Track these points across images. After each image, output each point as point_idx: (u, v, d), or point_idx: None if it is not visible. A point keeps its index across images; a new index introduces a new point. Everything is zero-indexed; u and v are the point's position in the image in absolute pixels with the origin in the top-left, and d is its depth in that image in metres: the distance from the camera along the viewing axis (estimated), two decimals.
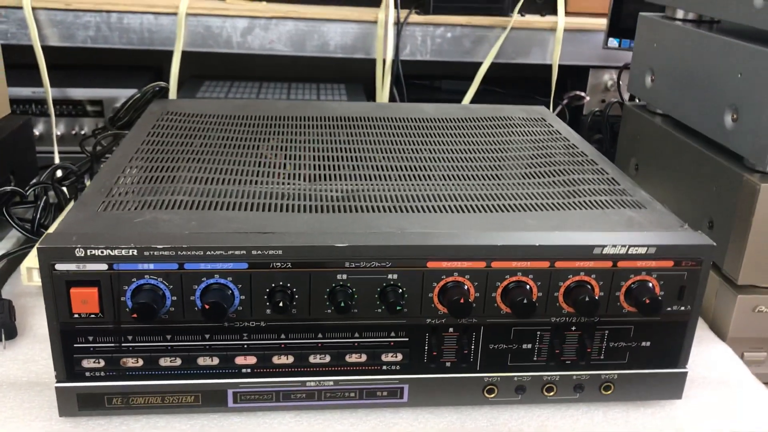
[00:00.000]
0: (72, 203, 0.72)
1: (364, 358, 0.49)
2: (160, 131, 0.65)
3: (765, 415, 0.52)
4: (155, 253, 0.44)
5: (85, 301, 0.45)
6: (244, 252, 0.45)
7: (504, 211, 0.52)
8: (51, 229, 0.48)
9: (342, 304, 0.46)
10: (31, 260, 0.61)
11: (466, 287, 0.47)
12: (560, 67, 1.21)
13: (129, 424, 0.48)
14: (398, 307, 0.46)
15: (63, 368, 0.47)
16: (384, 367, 0.49)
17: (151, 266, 0.45)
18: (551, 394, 0.51)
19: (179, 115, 0.70)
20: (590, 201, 0.54)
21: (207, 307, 0.45)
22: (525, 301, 0.46)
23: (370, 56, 1.21)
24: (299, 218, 0.50)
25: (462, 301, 0.46)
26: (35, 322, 0.59)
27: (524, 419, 0.50)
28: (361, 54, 1.21)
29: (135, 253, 0.44)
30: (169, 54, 1.13)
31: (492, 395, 0.50)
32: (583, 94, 1.19)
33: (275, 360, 0.48)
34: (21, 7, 1.08)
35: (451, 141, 0.67)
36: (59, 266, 0.44)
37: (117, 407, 0.48)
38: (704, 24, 0.70)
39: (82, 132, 1.19)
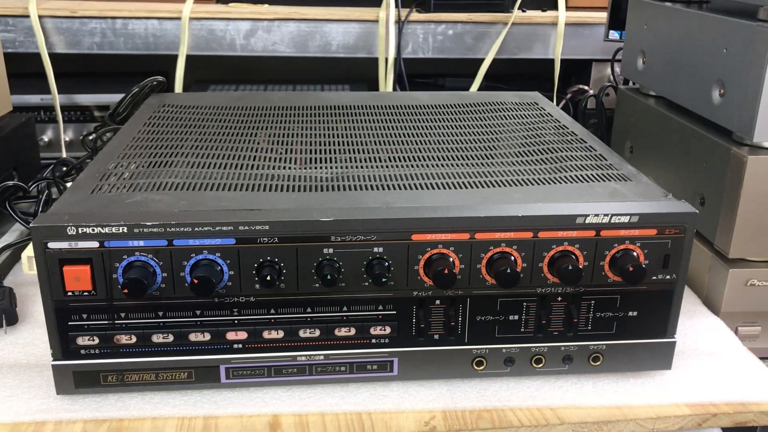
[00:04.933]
0: None
1: (353, 331, 0.49)
2: (156, 122, 0.67)
3: (755, 384, 0.52)
4: (145, 230, 0.45)
5: (77, 278, 0.46)
6: (232, 228, 0.46)
7: (490, 187, 0.52)
8: None
9: (329, 278, 0.46)
10: (32, 250, 0.63)
11: (451, 259, 0.48)
12: (563, 61, 1.22)
13: (124, 400, 0.49)
14: (384, 279, 0.47)
15: (59, 346, 0.48)
16: (373, 341, 0.50)
17: (141, 243, 0.46)
18: (540, 365, 0.51)
19: (176, 107, 0.71)
20: (576, 176, 0.55)
21: (195, 282, 0.46)
22: (509, 271, 0.47)
23: (373, 55, 1.22)
24: (287, 197, 0.50)
25: (446, 272, 0.46)
26: (36, 309, 0.60)
27: (514, 391, 0.50)
28: (364, 53, 1.22)
29: (125, 230, 0.45)
30: (173, 58, 1.15)
31: (481, 367, 0.51)
32: (586, 87, 1.20)
33: (266, 335, 0.49)
34: (28, 16, 1.11)
35: (444, 126, 0.67)
36: (52, 245, 0.45)
37: (112, 384, 0.49)
38: (694, 4, 0.71)
39: (88, 137, 1.21)
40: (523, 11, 1.21)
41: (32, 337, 0.56)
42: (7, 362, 0.53)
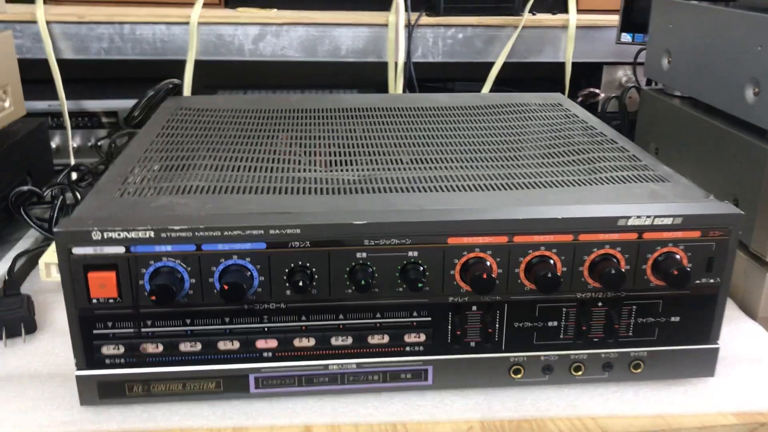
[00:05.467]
0: None
1: (386, 339, 0.48)
2: (174, 125, 0.65)
3: None
4: (172, 234, 0.44)
5: (103, 285, 0.44)
6: (262, 232, 0.44)
7: (524, 189, 0.51)
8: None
9: (363, 283, 0.45)
10: (49, 256, 0.61)
11: (488, 263, 0.46)
12: (573, 65, 1.20)
13: (150, 411, 0.47)
14: (420, 285, 0.45)
15: (83, 356, 0.46)
16: (407, 348, 0.48)
17: (169, 248, 0.44)
18: (579, 373, 0.49)
19: (193, 110, 0.70)
20: (611, 177, 0.53)
21: (226, 288, 0.44)
22: (549, 276, 0.45)
23: (382, 59, 1.21)
24: (316, 199, 0.49)
25: (485, 276, 0.45)
26: (55, 316, 0.59)
27: (552, 399, 0.49)
28: (373, 57, 1.21)
29: (152, 234, 0.44)
30: (181, 64, 1.14)
31: (518, 375, 0.49)
32: (597, 91, 1.19)
33: (296, 343, 0.47)
34: (35, 22, 1.09)
35: (466, 127, 0.66)
36: (76, 250, 0.44)
37: (137, 395, 0.47)
38: (721, 2, 0.69)
39: (99, 144, 1.20)
40: (533, 14, 1.20)
41: (52, 345, 0.55)
42: (27, 372, 0.52)
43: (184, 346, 0.47)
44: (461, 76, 1.38)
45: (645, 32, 1.16)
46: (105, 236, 0.44)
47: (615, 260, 0.46)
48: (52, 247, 0.62)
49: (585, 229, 0.46)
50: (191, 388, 0.48)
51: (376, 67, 1.21)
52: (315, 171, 0.55)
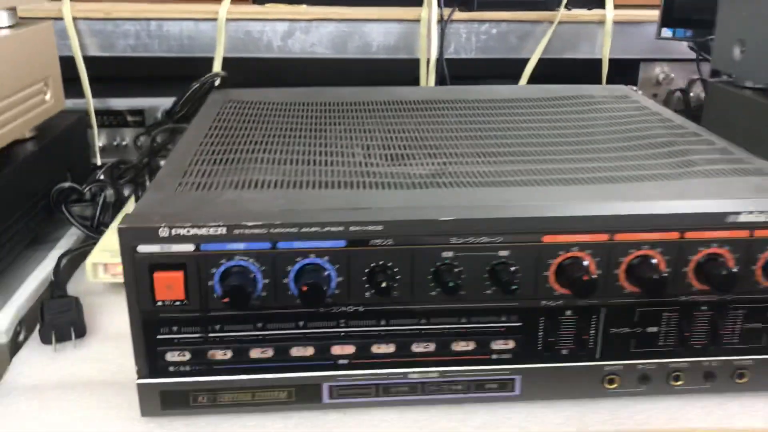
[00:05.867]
0: (132, 201, 0.69)
1: (471, 346, 0.44)
2: (225, 117, 0.62)
3: None
4: (246, 231, 0.40)
5: (169, 286, 0.41)
6: (342, 228, 0.41)
7: (617, 182, 0.47)
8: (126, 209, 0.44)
9: (450, 285, 0.41)
10: (97, 256, 0.58)
11: (585, 263, 0.42)
12: (609, 61, 1.17)
13: (216, 423, 0.44)
14: (513, 287, 0.41)
15: (145, 363, 0.43)
16: (494, 356, 0.44)
17: (242, 246, 0.41)
18: (678, 383, 0.45)
19: (242, 103, 0.66)
20: (706, 170, 0.49)
21: (305, 289, 0.40)
22: (655, 278, 0.41)
23: (413, 56, 1.17)
24: (393, 194, 0.45)
25: (586, 278, 0.41)
26: (103, 320, 0.55)
27: (651, 412, 0.45)
28: (404, 54, 1.18)
29: (224, 231, 0.40)
30: (208, 62, 1.11)
31: (613, 386, 0.45)
32: (635, 88, 1.15)
33: (374, 349, 0.44)
34: (62, 18, 1.07)
35: (532, 120, 0.62)
36: (142, 248, 0.40)
37: (203, 405, 0.44)
38: None
39: (123, 143, 1.17)
40: (569, 9, 1.16)
41: (103, 351, 0.51)
42: (81, 380, 0.48)
43: (255, 353, 0.43)
44: (493, 73, 1.35)
45: (687, 27, 1.12)
46: (173, 233, 0.40)
47: (723, 260, 0.43)
48: (99, 247, 0.59)
49: (691, 227, 0.42)
50: (261, 398, 0.44)
51: (407, 64, 1.18)
52: (381, 163, 0.51)
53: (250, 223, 0.40)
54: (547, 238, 0.42)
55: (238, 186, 0.46)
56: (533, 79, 1.17)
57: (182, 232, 0.40)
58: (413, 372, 0.44)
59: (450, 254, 0.42)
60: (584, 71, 1.22)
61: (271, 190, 0.45)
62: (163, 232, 0.40)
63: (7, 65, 0.58)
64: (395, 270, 0.42)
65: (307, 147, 0.54)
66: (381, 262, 0.42)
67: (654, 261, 0.42)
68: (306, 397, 0.44)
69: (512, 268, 0.42)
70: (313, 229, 0.41)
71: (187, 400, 0.43)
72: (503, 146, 0.55)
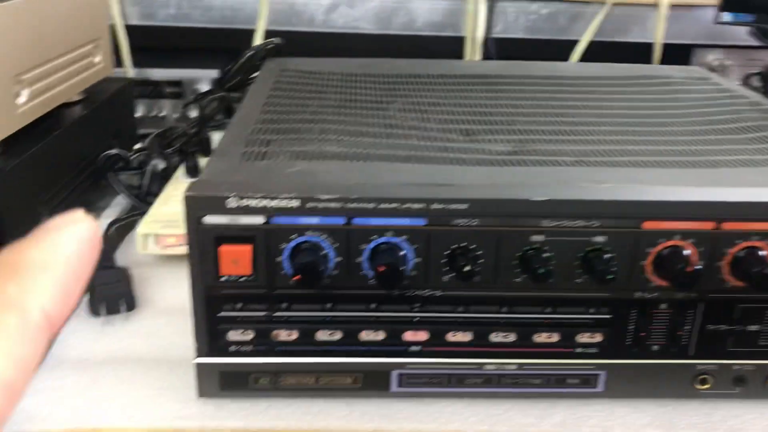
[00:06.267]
0: (181, 170, 0.66)
1: (555, 338, 0.41)
2: (284, 86, 0.58)
3: None
4: (320, 204, 0.37)
5: (236, 260, 0.38)
6: (424, 205, 0.38)
7: (717, 167, 0.43)
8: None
9: (540, 272, 0.38)
10: (147, 226, 0.55)
11: (687, 253, 0.39)
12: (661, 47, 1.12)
13: (278, 408, 0.41)
14: (610, 276, 0.38)
15: (205, 341, 0.40)
16: (578, 350, 0.41)
17: (315, 220, 0.38)
18: None
19: (299, 72, 0.63)
20: None
21: (381, 270, 0.37)
22: (765, 272, 0.38)
23: (459, 34, 1.13)
24: (474, 171, 0.42)
25: (689, 270, 0.37)
26: (154, 293, 0.53)
27: (746, 417, 0.41)
28: (450, 32, 1.14)
29: (297, 204, 0.37)
30: (249, 34, 1.08)
31: (705, 386, 0.42)
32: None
33: (450, 337, 0.40)
34: None
35: (607, 99, 0.58)
36: (208, 219, 0.37)
37: (264, 388, 0.41)
38: None
39: (161, 114, 1.14)
40: None
41: (155, 326, 0.49)
42: (132, 355, 0.46)
43: (322, 334, 0.40)
44: (541, 55, 1.30)
45: (749, 11, 1.07)
46: (242, 204, 0.37)
47: None
48: (149, 217, 0.56)
49: None
50: (325, 382, 0.41)
51: (451, 42, 1.14)
52: (456, 138, 0.48)
53: (324, 197, 0.37)
54: (648, 224, 0.38)
55: (306, 157, 0.43)
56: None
57: (252, 203, 0.37)
58: (489, 363, 0.41)
59: (540, 238, 0.38)
60: (634, 56, 1.18)
61: (344, 163, 0.42)
62: (232, 203, 0.37)
63: (59, 24, 0.55)
64: (478, 253, 0.39)
65: (373, 119, 0.51)
66: (464, 244, 0.38)
67: (763, 253, 0.39)
68: (373, 384, 0.41)
69: (607, 256, 0.38)
70: (392, 206, 0.37)
71: (247, 381, 0.41)
72: (581, 125, 0.51)
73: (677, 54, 1.17)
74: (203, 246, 0.38)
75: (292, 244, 0.38)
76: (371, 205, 0.37)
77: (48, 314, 0.18)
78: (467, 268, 0.38)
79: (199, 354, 0.40)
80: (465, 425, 0.41)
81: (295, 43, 1.27)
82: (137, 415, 0.40)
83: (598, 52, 1.14)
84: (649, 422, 0.41)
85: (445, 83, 0.62)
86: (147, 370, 0.44)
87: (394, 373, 0.41)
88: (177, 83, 1.15)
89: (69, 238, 0.19)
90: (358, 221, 0.38)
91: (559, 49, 1.14)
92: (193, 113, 0.75)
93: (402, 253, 0.38)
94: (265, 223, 0.37)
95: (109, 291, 0.49)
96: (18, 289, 0.18)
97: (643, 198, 0.38)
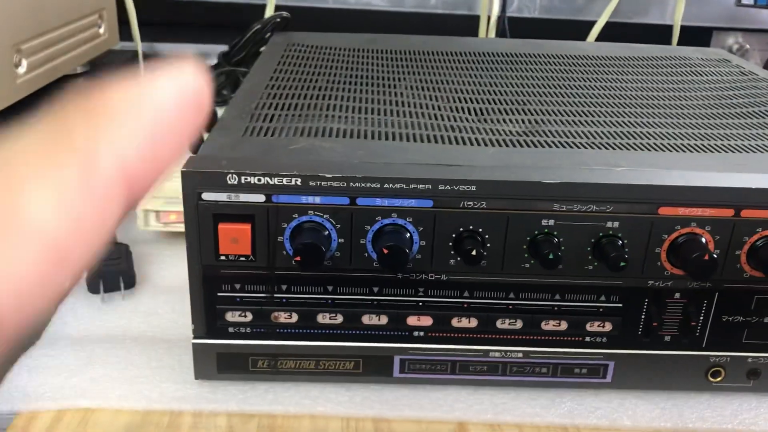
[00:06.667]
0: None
1: (564, 326, 0.39)
2: (290, 61, 0.57)
3: None
4: (323, 183, 0.36)
5: (235, 239, 0.37)
6: (430, 186, 0.36)
7: (737, 152, 0.42)
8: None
9: (550, 257, 0.36)
10: (148, 203, 0.54)
11: (704, 241, 0.37)
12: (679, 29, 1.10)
13: (276, 392, 0.40)
14: (623, 263, 0.36)
15: (203, 322, 0.39)
16: (587, 339, 0.40)
17: (318, 200, 0.36)
18: None
19: (306, 47, 0.61)
20: None
21: (386, 252, 0.36)
22: None
23: (474, 12, 1.11)
24: (484, 152, 0.40)
25: (707, 258, 0.36)
26: (153, 271, 0.52)
27: (759, 411, 0.40)
28: (464, 10, 1.12)
29: (299, 182, 0.36)
30: (259, 9, 1.06)
31: (717, 379, 0.40)
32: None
33: (454, 323, 0.39)
34: None
35: (624, 79, 0.56)
36: (207, 195, 0.36)
37: (262, 371, 0.40)
38: None
39: None
40: None
41: (154, 305, 0.48)
42: (130, 333, 0.45)
43: (323, 317, 0.39)
44: (556, 35, 1.28)
45: None
46: (243, 181, 0.36)
47: None
48: (150, 192, 0.55)
49: None
50: (325, 366, 0.40)
51: (465, 20, 1.12)
52: (466, 116, 0.46)
53: (328, 175, 0.36)
54: (664, 210, 0.36)
55: (310, 134, 0.41)
56: None
57: (253, 180, 0.36)
58: (495, 350, 0.40)
59: (551, 222, 0.37)
60: (652, 38, 1.15)
61: (348, 140, 0.41)
62: (232, 179, 0.36)
63: None
64: (486, 237, 0.37)
65: (381, 96, 0.49)
66: (471, 227, 0.37)
67: None
68: (375, 369, 0.40)
69: (620, 242, 0.37)
70: (397, 186, 0.36)
71: (245, 364, 0.40)
72: (597, 106, 0.49)
73: (696, 36, 1.14)
74: (201, 223, 0.37)
75: (294, 223, 0.37)
76: (376, 185, 0.36)
77: (126, 169, 0.14)
78: (474, 252, 0.36)
79: (196, 335, 0.39)
80: (468, 413, 0.39)
81: (306, 19, 1.25)
82: (132, 396, 0.39)
83: (615, 33, 1.11)
84: (659, 414, 0.40)
85: (457, 61, 0.60)
86: (144, 350, 0.43)
87: (397, 359, 0.40)
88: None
89: (167, 84, 0.15)
90: (362, 201, 0.36)
91: (576, 30, 1.11)
92: None
93: (407, 235, 0.37)
94: (265, 201, 0.36)
95: (109, 268, 0.48)
96: (88, 135, 0.14)
97: (660, 183, 0.36)
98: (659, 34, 1.11)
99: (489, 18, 1.08)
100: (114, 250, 0.50)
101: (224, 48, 0.86)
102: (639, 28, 1.13)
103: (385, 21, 1.24)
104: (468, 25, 1.12)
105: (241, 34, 0.73)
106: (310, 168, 0.36)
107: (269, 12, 1.04)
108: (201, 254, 0.37)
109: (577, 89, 0.53)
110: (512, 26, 1.09)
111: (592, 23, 1.09)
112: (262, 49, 0.67)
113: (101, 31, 0.62)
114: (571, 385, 0.41)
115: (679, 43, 1.14)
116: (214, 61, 0.96)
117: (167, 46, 1.13)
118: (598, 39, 1.09)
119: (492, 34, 1.10)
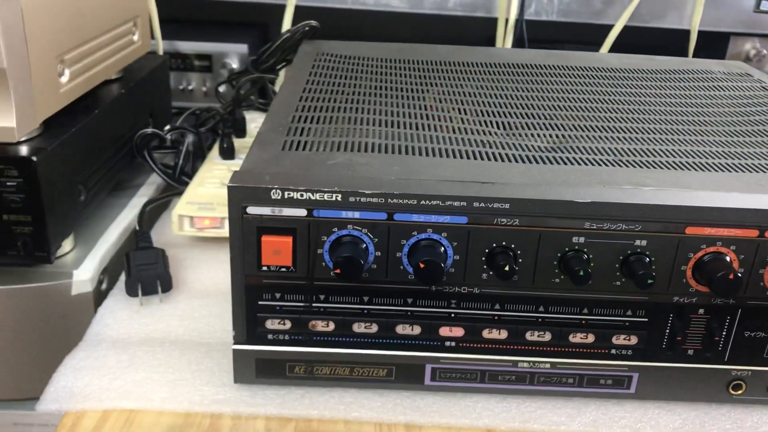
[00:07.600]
0: (215, 150, 0.66)
1: (591, 338, 0.41)
2: (321, 71, 0.58)
3: None
4: (362, 199, 0.37)
5: (277, 251, 0.38)
6: (464, 204, 0.38)
7: (758, 172, 0.43)
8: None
9: (582, 274, 0.38)
10: (183, 208, 0.56)
11: (728, 260, 0.38)
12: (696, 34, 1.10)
13: (312, 397, 0.42)
14: (650, 281, 0.38)
15: (244, 329, 0.40)
16: (613, 351, 0.41)
17: (357, 215, 0.38)
18: None
19: (336, 56, 0.63)
20: None
21: (422, 266, 0.37)
22: None
23: (492, 15, 1.12)
24: (514, 168, 0.42)
25: (731, 277, 0.37)
26: (188, 275, 0.53)
27: None
28: (482, 12, 1.12)
29: (339, 198, 0.37)
30: (278, 9, 1.07)
31: (738, 392, 0.42)
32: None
33: (485, 334, 0.41)
34: None
35: (649, 94, 0.57)
36: (252, 209, 0.38)
37: (299, 377, 0.42)
38: None
39: (190, 87, 1.14)
40: None
41: (190, 308, 0.49)
42: (168, 336, 0.46)
43: (358, 327, 0.41)
44: (574, 38, 1.28)
45: None
46: (286, 196, 0.37)
47: None
48: (185, 198, 0.57)
49: None
50: (359, 373, 0.42)
51: (483, 23, 1.12)
52: (495, 131, 0.47)
53: (367, 191, 0.37)
54: (691, 230, 0.38)
55: (346, 148, 0.43)
56: (614, 48, 1.11)
57: (295, 195, 0.37)
58: (524, 361, 0.41)
59: (581, 240, 0.38)
60: (669, 42, 1.15)
61: (384, 155, 0.42)
62: (276, 194, 0.37)
63: (99, 3, 0.55)
64: (518, 252, 0.39)
65: (410, 109, 0.51)
66: (504, 243, 0.38)
67: None
68: (407, 377, 0.42)
69: (648, 260, 0.38)
70: (433, 203, 0.38)
71: (283, 369, 0.41)
72: (620, 121, 0.51)
73: (713, 42, 1.15)
74: (245, 235, 0.38)
75: (333, 237, 0.38)
76: (413, 202, 0.38)
77: None
78: (507, 268, 0.38)
79: (237, 341, 0.41)
80: (496, 421, 0.41)
81: (326, 20, 1.26)
82: (174, 399, 0.41)
83: (632, 37, 1.12)
84: (681, 425, 0.41)
85: (482, 72, 0.62)
86: (183, 353, 0.45)
87: (428, 367, 0.42)
88: (206, 57, 1.15)
89: None
90: (399, 217, 0.38)
91: (593, 34, 1.12)
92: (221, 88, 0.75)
93: (442, 249, 0.39)
94: (307, 216, 0.38)
95: (146, 272, 0.50)
96: None
97: (687, 203, 0.38)
98: (677, 38, 1.11)
99: (507, 21, 1.09)
100: (151, 254, 0.51)
101: (244, 47, 0.87)
102: (656, 33, 1.13)
103: (404, 22, 1.25)
104: (485, 27, 1.13)
105: (263, 34, 0.74)
106: (349, 184, 0.38)
107: (289, 12, 1.06)
108: (244, 264, 0.39)
109: (600, 103, 0.55)
110: (530, 29, 1.10)
111: (609, 27, 1.10)
112: (290, 56, 0.68)
113: (135, 38, 0.64)
114: (596, 395, 0.42)
115: (696, 48, 1.14)
116: (235, 61, 0.97)
117: (188, 44, 1.14)
118: (616, 43, 1.09)
119: (510, 36, 1.11)
